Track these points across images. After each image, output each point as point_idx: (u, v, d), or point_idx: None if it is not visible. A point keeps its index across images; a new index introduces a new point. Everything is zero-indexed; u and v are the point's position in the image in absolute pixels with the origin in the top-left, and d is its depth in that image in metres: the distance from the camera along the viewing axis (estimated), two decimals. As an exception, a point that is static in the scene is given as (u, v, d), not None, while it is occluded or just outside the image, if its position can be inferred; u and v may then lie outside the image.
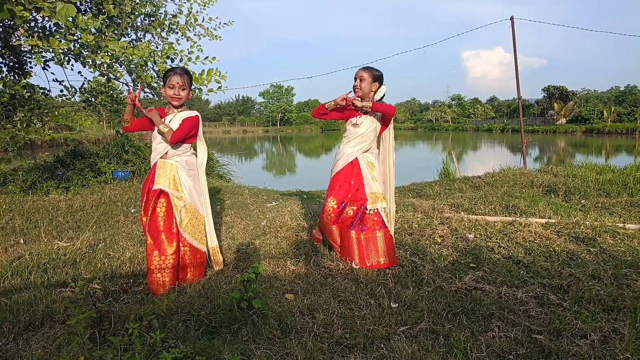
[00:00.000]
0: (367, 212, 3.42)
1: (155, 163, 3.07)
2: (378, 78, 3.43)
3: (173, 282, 3.04)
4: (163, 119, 3.02)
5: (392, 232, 3.56)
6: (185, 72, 3.03)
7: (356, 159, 3.48)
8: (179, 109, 3.08)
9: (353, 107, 3.48)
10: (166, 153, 3.04)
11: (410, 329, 2.47)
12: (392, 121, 3.54)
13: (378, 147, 3.64)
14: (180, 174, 3.05)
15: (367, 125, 3.45)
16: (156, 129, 2.99)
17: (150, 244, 2.99)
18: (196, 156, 3.21)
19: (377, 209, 3.43)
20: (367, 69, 3.44)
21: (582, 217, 4.49)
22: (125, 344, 2.01)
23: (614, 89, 65.94)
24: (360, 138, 3.46)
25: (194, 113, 3.08)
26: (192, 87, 5.96)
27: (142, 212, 3.06)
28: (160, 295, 2.87)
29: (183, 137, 2.98)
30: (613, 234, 3.95)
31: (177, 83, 2.96)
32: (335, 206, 3.47)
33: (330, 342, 2.32)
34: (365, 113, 3.47)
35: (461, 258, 3.56)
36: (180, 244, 3.07)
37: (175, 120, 3.03)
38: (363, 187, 3.43)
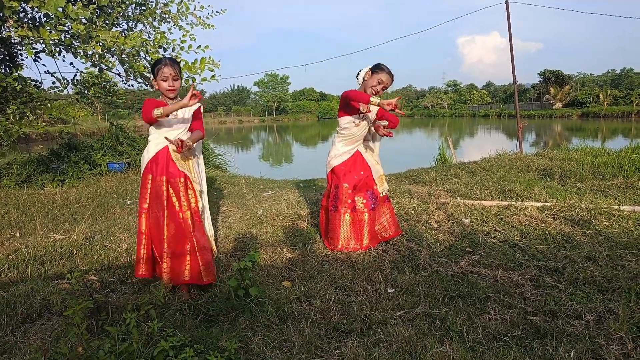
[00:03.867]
0: (381, 194, 3.60)
1: (162, 150, 2.91)
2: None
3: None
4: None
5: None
6: (175, 62, 2.95)
7: (357, 151, 3.56)
8: (175, 100, 3.03)
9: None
10: None
11: (407, 314, 2.49)
12: None
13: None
14: (192, 161, 3.03)
15: (366, 125, 3.50)
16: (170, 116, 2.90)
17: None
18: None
19: (385, 190, 3.67)
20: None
21: (578, 200, 4.50)
22: (122, 334, 2.01)
23: (609, 72, 65.78)
24: (356, 137, 3.52)
25: (199, 104, 3.09)
26: (186, 76, 5.95)
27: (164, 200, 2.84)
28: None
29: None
30: (608, 216, 3.97)
31: (170, 74, 2.87)
32: (350, 191, 3.47)
33: (328, 328, 2.34)
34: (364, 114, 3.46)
35: (457, 243, 3.57)
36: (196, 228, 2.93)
37: (185, 111, 2.99)
38: (372, 174, 3.56)
